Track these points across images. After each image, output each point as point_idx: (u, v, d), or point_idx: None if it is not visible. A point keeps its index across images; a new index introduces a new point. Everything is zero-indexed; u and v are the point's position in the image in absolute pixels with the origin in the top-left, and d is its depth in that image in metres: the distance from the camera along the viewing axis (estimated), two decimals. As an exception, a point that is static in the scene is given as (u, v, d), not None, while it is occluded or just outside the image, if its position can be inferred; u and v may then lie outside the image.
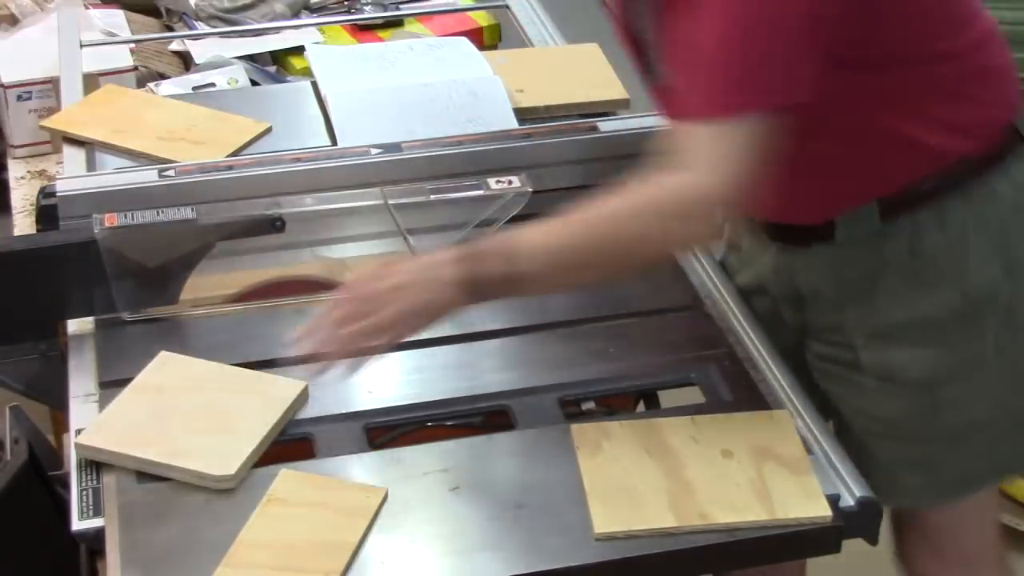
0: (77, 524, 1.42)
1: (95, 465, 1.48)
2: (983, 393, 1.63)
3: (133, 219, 1.65)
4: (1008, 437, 1.67)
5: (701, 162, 1.39)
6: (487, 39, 2.49)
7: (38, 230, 1.79)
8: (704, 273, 1.81)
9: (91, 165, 1.97)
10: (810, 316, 1.70)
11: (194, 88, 2.23)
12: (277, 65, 2.40)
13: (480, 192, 1.77)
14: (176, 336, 1.68)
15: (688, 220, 1.42)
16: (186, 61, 2.39)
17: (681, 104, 1.44)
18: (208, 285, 1.73)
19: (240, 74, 2.28)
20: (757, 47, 1.38)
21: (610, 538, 1.38)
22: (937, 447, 1.66)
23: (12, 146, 2.25)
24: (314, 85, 2.15)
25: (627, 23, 1.58)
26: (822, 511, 1.41)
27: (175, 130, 2.02)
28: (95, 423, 1.51)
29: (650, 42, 1.54)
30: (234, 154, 1.96)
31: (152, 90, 2.21)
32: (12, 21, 2.48)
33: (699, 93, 1.41)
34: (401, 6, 2.56)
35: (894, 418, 1.65)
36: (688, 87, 1.43)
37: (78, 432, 1.50)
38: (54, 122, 2.07)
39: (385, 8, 2.54)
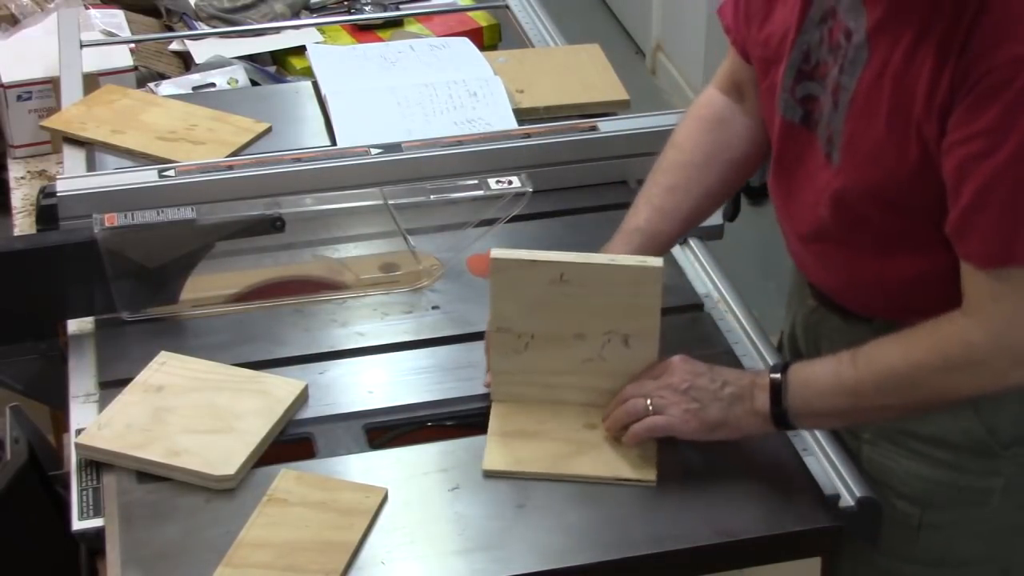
0: (77, 524, 1.42)
1: (95, 465, 1.48)
2: (975, 532, 1.56)
3: (133, 219, 1.65)
4: None
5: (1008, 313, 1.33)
6: (487, 39, 2.49)
7: (38, 230, 1.79)
8: (704, 273, 1.81)
9: (91, 165, 1.97)
10: None
11: (194, 88, 2.23)
12: (277, 65, 2.40)
13: (480, 192, 1.77)
14: (176, 336, 1.68)
15: (982, 373, 1.37)
16: (186, 61, 2.39)
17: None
18: (208, 285, 1.73)
19: (240, 74, 2.28)
20: None
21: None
22: (905, 567, 1.58)
23: (12, 146, 2.25)
24: (314, 85, 2.15)
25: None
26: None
27: (175, 130, 2.03)
28: (95, 423, 1.51)
29: (833, 104, 1.42)
30: (234, 154, 1.97)
31: (152, 90, 2.21)
32: (12, 21, 2.48)
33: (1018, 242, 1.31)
34: (401, 6, 2.56)
35: None
36: (991, 230, 1.32)
37: (78, 432, 1.50)
38: (54, 122, 2.07)
39: (385, 8, 2.54)
